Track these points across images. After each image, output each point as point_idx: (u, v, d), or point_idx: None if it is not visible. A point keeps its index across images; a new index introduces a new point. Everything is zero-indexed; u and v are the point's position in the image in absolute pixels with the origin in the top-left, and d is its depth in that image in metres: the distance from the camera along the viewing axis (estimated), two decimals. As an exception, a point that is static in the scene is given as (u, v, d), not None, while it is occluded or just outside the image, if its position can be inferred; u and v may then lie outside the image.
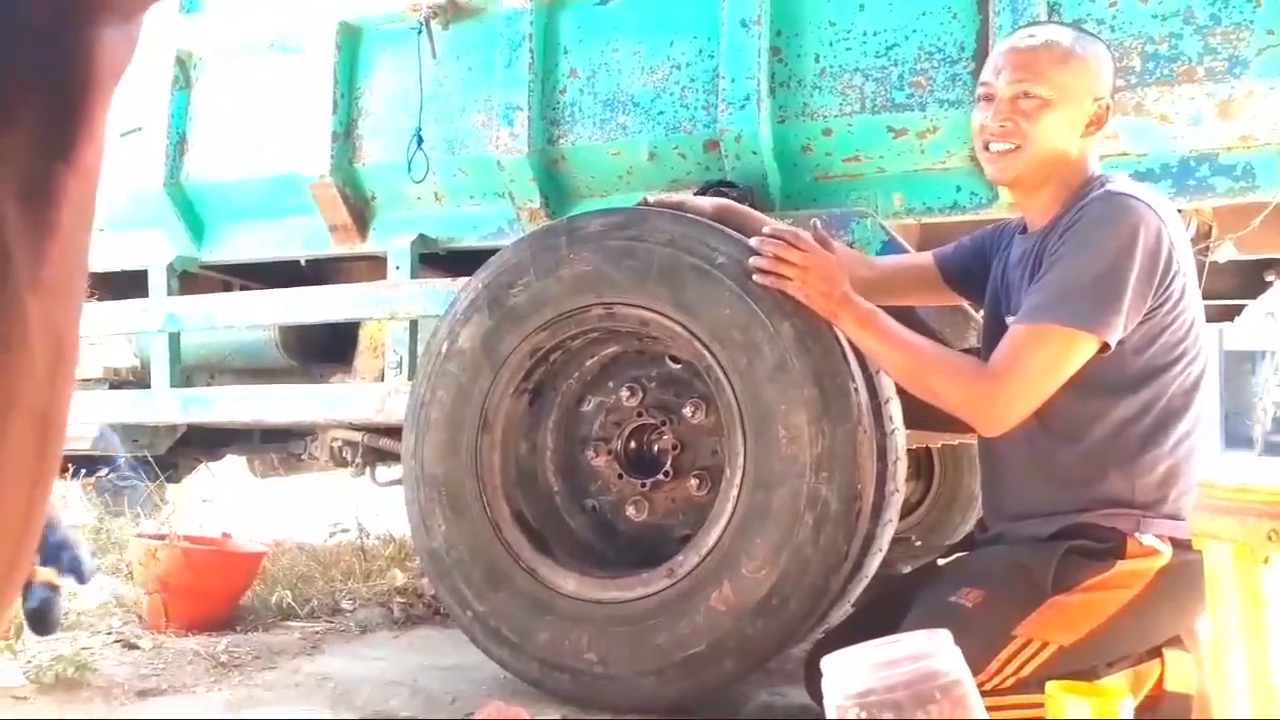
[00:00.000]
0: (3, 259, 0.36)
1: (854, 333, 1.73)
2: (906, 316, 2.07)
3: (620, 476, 2.12)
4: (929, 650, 0.80)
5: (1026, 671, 1.46)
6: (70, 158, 0.39)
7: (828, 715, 0.81)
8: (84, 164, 0.39)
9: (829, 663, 0.84)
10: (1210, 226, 2.30)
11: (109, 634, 2.43)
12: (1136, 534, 1.52)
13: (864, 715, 0.76)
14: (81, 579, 0.57)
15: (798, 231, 1.77)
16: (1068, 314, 1.53)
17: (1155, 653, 1.52)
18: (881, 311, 1.74)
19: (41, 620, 0.54)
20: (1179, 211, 2.01)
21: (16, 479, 0.37)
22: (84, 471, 3.54)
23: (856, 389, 1.80)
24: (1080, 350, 1.53)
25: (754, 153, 2.22)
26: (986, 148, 1.67)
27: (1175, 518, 1.53)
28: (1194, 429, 1.59)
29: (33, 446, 0.38)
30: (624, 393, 2.12)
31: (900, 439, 1.93)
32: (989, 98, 1.67)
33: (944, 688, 0.78)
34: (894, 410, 1.93)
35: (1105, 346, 1.54)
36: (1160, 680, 1.52)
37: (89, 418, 3.02)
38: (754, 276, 1.79)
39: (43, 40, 0.37)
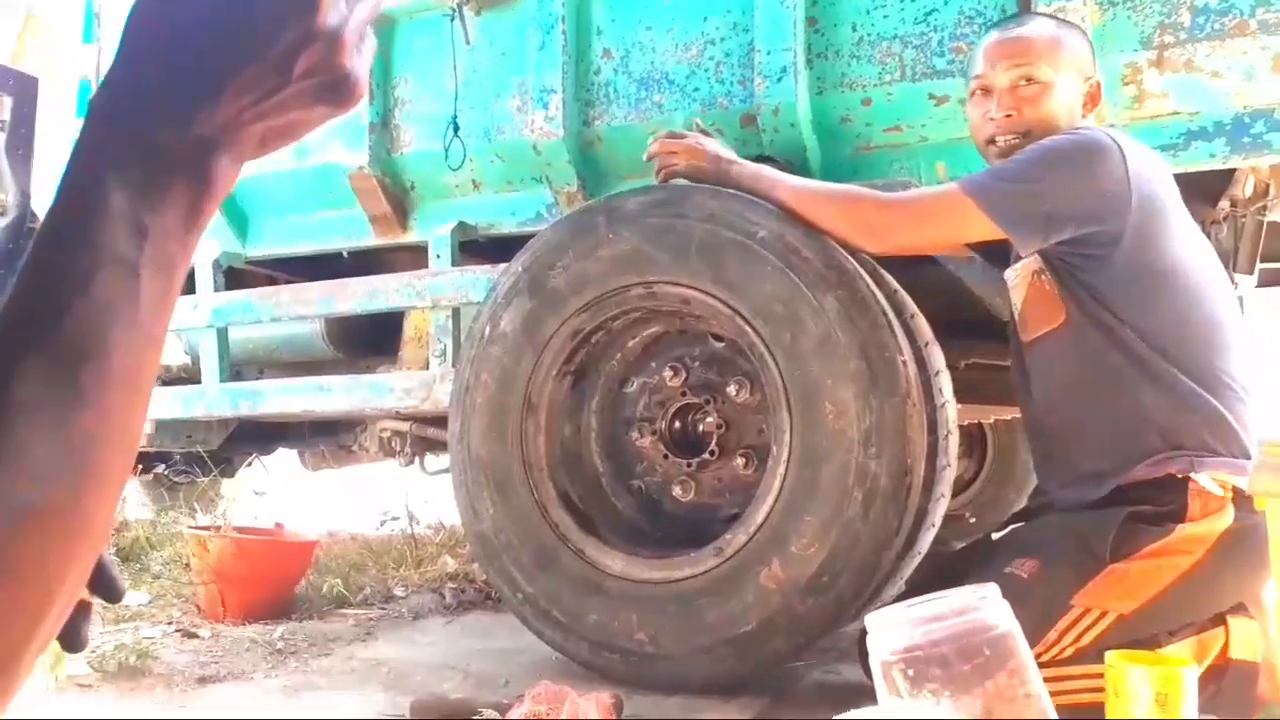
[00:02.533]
0: (136, 317, 0.41)
1: (749, 184, 1.88)
2: (954, 284, 2.03)
3: (665, 457, 2.11)
4: (975, 604, 0.78)
5: (1086, 641, 1.42)
6: (189, 252, 0.44)
7: (872, 673, 0.79)
8: (187, 262, 0.45)
9: (872, 620, 0.82)
10: (1268, 185, 2.23)
11: (169, 624, 2.48)
12: (1192, 475, 1.48)
13: (910, 672, 0.74)
14: (112, 598, 0.58)
15: (676, 131, 2.02)
16: (978, 191, 1.64)
17: (1219, 620, 1.48)
18: (769, 166, 1.93)
19: (72, 637, 0.54)
20: (1235, 170, 1.97)
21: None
22: (140, 467, 3.61)
23: (904, 361, 1.77)
24: (974, 223, 1.64)
25: (792, 125, 2.19)
26: (992, 141, 1.71)
27: (1232, 459, 1.50)
28: (1232, 370, 1.56)
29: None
30: (667, 373, 2.11)
31: (951, 412, 1.90)
32: (985, 90, 1.72)
33: (991, 641, 0.76)
34: (944, 383, 1.90)
35: (1017, 244, 1.64)
36: (1225, 648, 1.47)
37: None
38: (648, 161, 2.00)
39: (200, 150, 0.43)
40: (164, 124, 0.43)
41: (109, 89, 0.44)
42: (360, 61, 0.46)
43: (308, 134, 0.48)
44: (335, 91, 0.46)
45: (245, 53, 0.43)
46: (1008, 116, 1.68)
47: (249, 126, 0.45)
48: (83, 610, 0.53)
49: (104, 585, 0.55)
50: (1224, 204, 2.26)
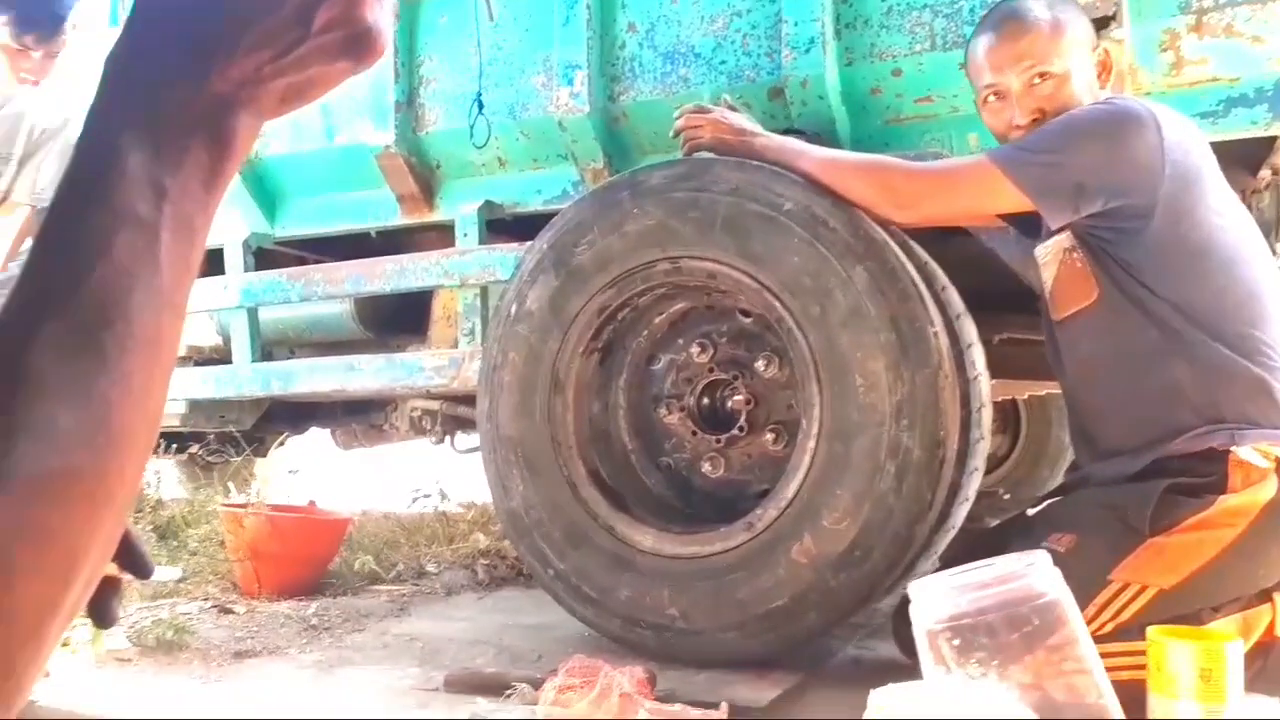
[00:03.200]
0: (156, 281, 0.41)
1: (774, 156, 1.87)
2: (986, 257, 2.00)
3: (694, 433, 2.10)
4: (1022, 571, 0.76)
5: (1126, 616, 1.40)
6: (209, 213, 0.43)
7: (917, 641, 0.78)
8: (208, 224, 0.44)
9: (916, 588, 0.81)
10: (1313, 152, 2.17)
11: (205, 600, 2.51)
12: (1234, 448, 1.45)
13: (956, 641, 0.73)
14: (142, 574, 0.58)
15: (702, 105, 2.01)
16: (1007, 162, 1.62)
17: (1265, 596, 1.45)
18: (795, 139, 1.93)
19: (103, 612, 0.54)
20: (1276, 138, 1.92)
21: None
22: (175, 447, 3.65)
23: (936, 333, 1.74)
24: (1002, 194, 1.63)
25: (821, 97, 2.16)
26: None
27: (1275, 430, 1.46)
28: (1272, 339, 1.53)
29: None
30: (694, 349, 2.09)
31: (984, 385, 1.87)
32: (1000, 95, 1.70)
33: (1040, 609, 0.74)
34: (976, 355, 1.87)
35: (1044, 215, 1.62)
36: (1271, 625, 1.44)
37: (176, 395, 3.10)
38: (674, 137, 2.00)
39: (218, 108, 0.42)
40: (180, 81, 0.42)
41: (123, 46, 0.43)
42: (381, 14, 0.45)
43: (328, 90, 0.46)
44: (357, 45, 0.44)
45: (263, 6, 0.42)
46: (1034, 120, 1.65)
47: (269, 83, 0.43)
48: (112, 586, 0.53)
49: (133, 561, 0.55)
50: (1265, 172, 2.20)
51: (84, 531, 0.39)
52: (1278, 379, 1.51)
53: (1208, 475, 1.46)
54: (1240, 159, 2.08)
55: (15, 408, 0.37)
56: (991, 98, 1.70)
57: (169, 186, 0.41)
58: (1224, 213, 1.59)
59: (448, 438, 3.44)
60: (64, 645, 1.78)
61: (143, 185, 0.41)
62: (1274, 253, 2.21)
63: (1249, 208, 2.02)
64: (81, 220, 0.40)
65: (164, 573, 2.56)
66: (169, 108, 0.42)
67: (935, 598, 0.77)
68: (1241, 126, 1.91)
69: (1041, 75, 1.64)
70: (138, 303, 0.40)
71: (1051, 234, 1.67)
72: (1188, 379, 1.52)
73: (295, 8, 0.43)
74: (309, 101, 0.46)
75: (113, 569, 0.53)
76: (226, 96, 0.42)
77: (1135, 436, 1.57)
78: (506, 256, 2.50)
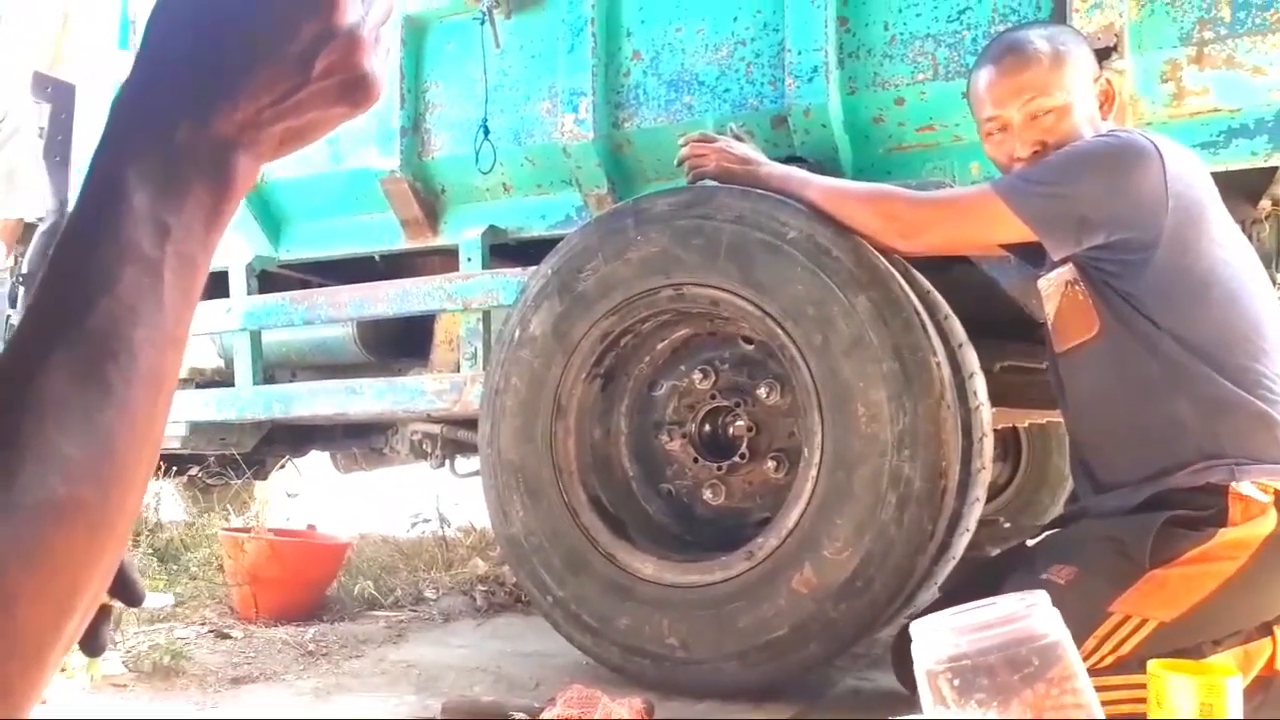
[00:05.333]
0: (159, 315, 0.41)
1: (778, 185, 1.89)
2: (988, 286, 2.01)
3: (696, 460, 2.10)
4: (1023, 612, 0.76)
5: (1126, 650, 1.39)
6: (209, 251, 0.44)
7: (918, 682, 0.77)
8: (208, 261, 0.44)
9: (917, 628, 0.80)
10: (1313, 184, 2.17)
11: (202, 624, 2.50)
12: (1233, 484, 1.44)
13: (956, 682, 0.73)
14: (132, 601, 0.58)
15: (707, 133, 2.03)
16: (1010, 192, 1.62)
17: (1266, 630, 1.44)
18: (799, 168, 1.95)
19: (92, 641, 0.55)
20: (1277, 169, 1.93)
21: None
22: (175, 469, 3.65)
23: (938, 363, 1.74)
24: (1005, 224, 1.62)
25: (824, 126, 2.17)
26: None
27: (1274, 463, 1.46)
28: (1273, 373, 1.52)
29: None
30: (696, 375, 2.10)
31: (986, 415, 1.87)
32: (1003, 129, 1.69)
33: (1040, 650, 0.74)
34: (978, 385, 1.87)
35: (1048, 248, 1.62)
36: (1272, 659, 1.43)
37: (177, 417, 3.10)
38: (679, 166, 2.01)
39: (220, 150, 0.43)
40: (184, 123, 0.43)
41: (131, 88, 0.44)
42: (378, 61, 0.46)
43: (325, 135, 0.48)
44: (354, 91, 0.46)
45: (265, 53, 0.43)
46: (1035, 153, 1.65)
47: (269, 127, 0.45)
48: (103, 613, 0.53)
49: (124, 588, 0.56)
50: (1265, 203, 2.21)
51: (86, 560, 0.39)
52: (1278, 412, 1.50)
53: (1208, 509, 1.45)
54: (1241, 189, 2.09)
55: (22, 436, 0.37)
56: (995, 131, 1.70)
57: (172, 225, 0.42)
58: (1226, 245, 1.59)
59: (448, 462, 3.44)
60: (60, 670, 1.77)
61: (147, 223, 0.42)
62: (1275, 284, 2.22)
63: (1249, 238, 2.03)
64: (88, 255, 0.41)
65: (156, 599, 2.54)
66: (173, 149, 0.43)
67: (936, 637, 0.77)
68: (1242, 157, 1.91)
69: (1042, 107, 1.64)
70: (141, 337, 0.41)
71: (1054, 266, 1.67)
72: (1189, 412, 1.52)
73: (296, 55, 0.44)
74: (307, 144, 0.48)
75: (104, 596, 0.53)
76: (228, 139, 0.44)
77: (1136, 469, 1.56)
78: (510, 281, 2.51)
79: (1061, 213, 1.57)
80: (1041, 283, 1.73)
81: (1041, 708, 0.76)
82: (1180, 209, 1.53)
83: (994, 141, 1.71)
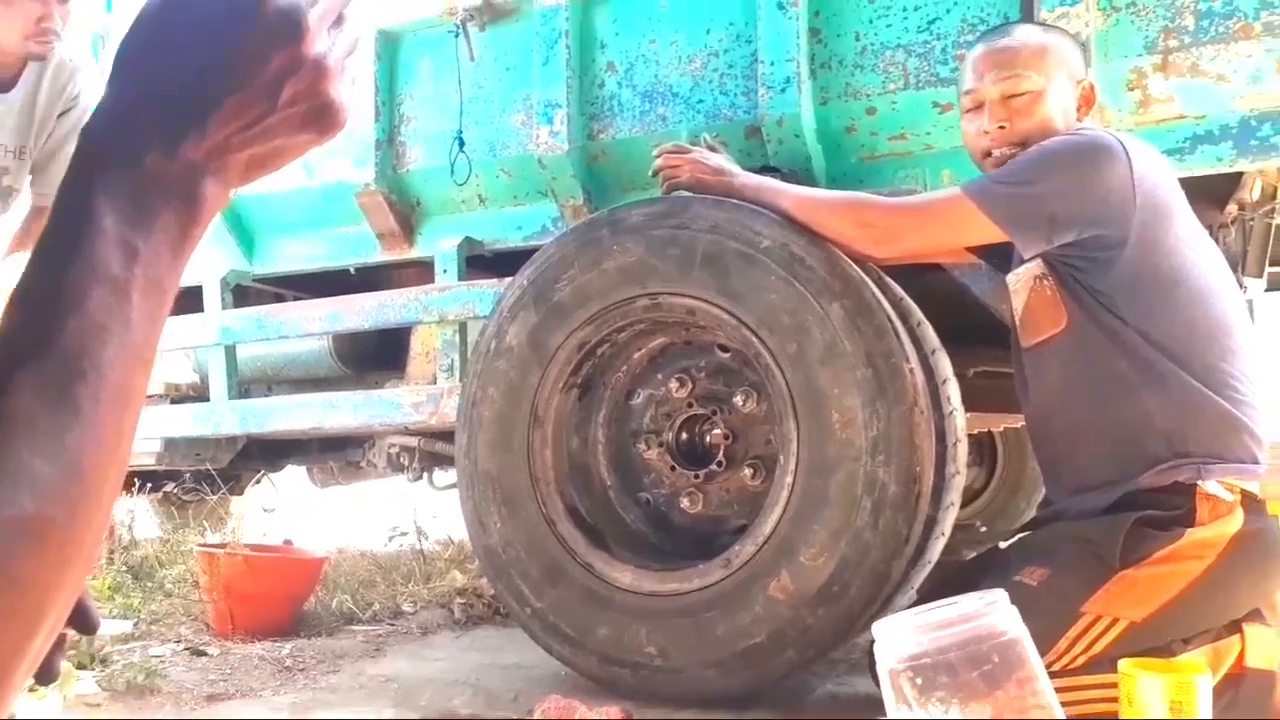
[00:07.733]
0: (127, 336, 0.42)
1: (753, 195, 1.90)
2: (960, 292, 2.02)
3: (673, 469, 2.10)
4: (982, 610, 0.77)
5: (1098, 649, 1.41)
6: (177, 273, 0.45)
7: (880, 681, 0.78)
8: (176, 283, 0.45)
9: (879, 627, 0.81)
10: (1275, 188, 2.22)
11: (178, 642, 2.48)
12: (1200, 483, 1.46)
13: (917, 680, 0.73)
14: (87, 629, 0.58)
15: (681, 144, 2.06)
16: (980, 194, 1.65)
17: (1234, 627, 1.46)
18: (772, 177, 1.97)
19: (45, 668, 0.54)
20: (1242, 174, 1.96)
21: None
22: (150, 486, 3.61)
23: (911, 370, 1.76)
24: (976, 226, 1.65)
25: (796, 136, 2.19)
26: (988, 154, 1.71)
27: (1240, 463, 1.48)
28: (1239, 372, 1.54)
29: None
30: (673, 384, 2.10)
31: (959, 420, 1.89)
32: (978, 105, 1.72)
33: (1000, 647, 0.75)
34: (952, 391, 1.89)
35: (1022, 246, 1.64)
36: (1241, 656, 1.45)
37: (152, 433, 3.08)
38: (653, 176, 2.04)
39: (188, 176, 0.44)
40: (153, 150, 0.44)
41: (101, 113, 0.45)
42: (344, 89, 0.47)
43: (292, 161, 0.49)
44: (320, 118, 0.47)
45: (233, 81, 0.44)
46: (1000, 128, 1.67)
47: (236, 153, 0.46)
48: (57, 641, 0.53)
49: (79, 616, 0.56)
50: (1231, 207, 2.25)
51: (54, 579, 0.40)
52: (1245, 412, 1.53)
53: (1176, 508, 1.47)
54: (1207, 194, 2.12)
55: None
56: (970, 106, 1.72)
57: (140, 248, 0.43)
58: (1194, 245, 1.61)
59: (425, 474, 3.43)
60: (30, 690, 1.74)
61: (116, 246, 0.42)
62: (1241, 286, 2.25)
63: (1216, 241, 2.06)
64: (58, 276, 0.42)
65: (112, 627, 2.50)
66: (142, 175, 0.44)
67: (897, 637, 0.78)
68: (1208, 163, 1.95)
69: (1016, 88, 1.66)
70: (110, 356, 0.41)
71: (1023, 261, 1.69)
72: (1156, 410, 1.53)
73: (263, 83, 0.45)
74: (273, 170, 0.49)
75: None
76: (196, 165, 0.45)
77: (1103, 466, 1.58)
78: (486, 292, 2.51)
79: (1031, 212, 1.59)
80: (1010, 278, 1.75)
81: (1003, 711, 0.77)
82: (1148, 206, 1.55)
83: (967, 116, 1.74)
